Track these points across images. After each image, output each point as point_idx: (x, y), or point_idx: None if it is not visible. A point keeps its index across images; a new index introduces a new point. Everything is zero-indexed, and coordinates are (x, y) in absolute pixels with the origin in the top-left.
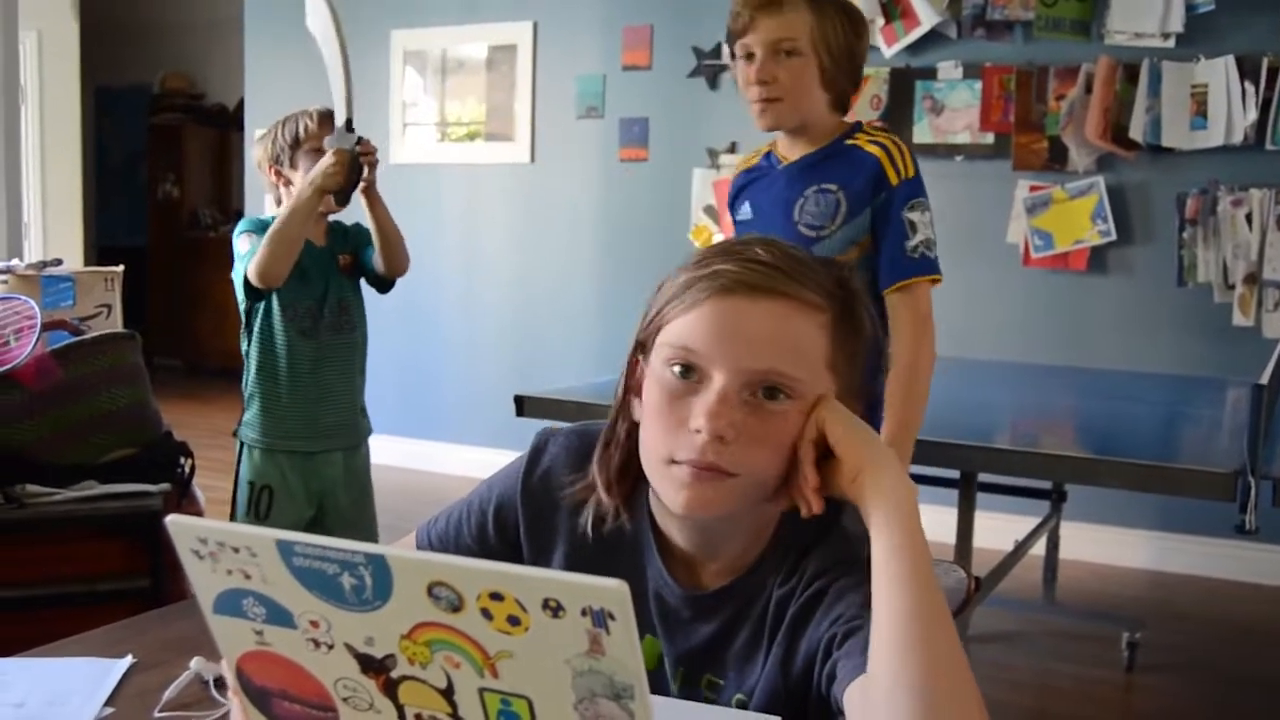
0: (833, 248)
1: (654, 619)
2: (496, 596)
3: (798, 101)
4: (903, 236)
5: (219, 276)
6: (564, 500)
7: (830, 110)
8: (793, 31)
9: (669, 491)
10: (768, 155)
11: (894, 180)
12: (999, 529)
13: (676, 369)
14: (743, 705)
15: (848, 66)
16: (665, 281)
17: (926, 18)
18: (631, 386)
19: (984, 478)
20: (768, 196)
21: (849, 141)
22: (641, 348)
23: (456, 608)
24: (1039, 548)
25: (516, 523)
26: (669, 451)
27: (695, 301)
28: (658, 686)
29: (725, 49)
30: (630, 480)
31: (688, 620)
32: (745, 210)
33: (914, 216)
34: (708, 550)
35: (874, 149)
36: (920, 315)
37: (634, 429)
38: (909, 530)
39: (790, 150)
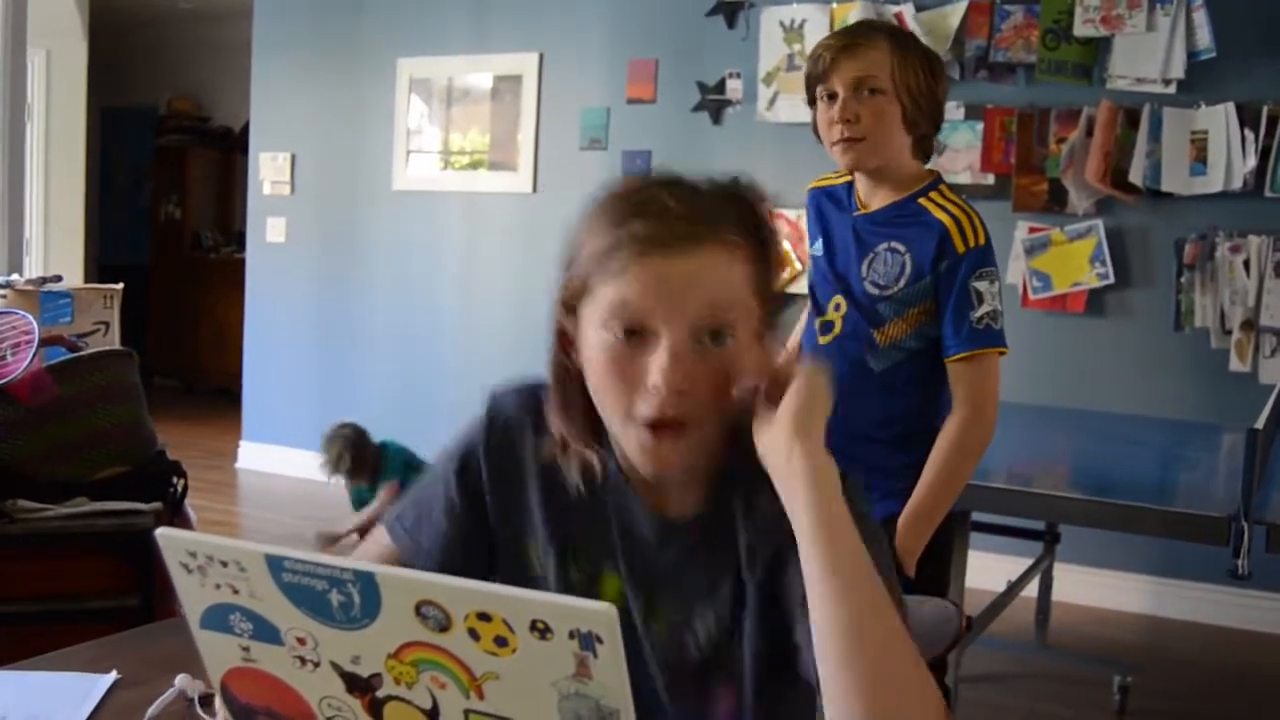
0: (895, 309)
1: (618, 553)
2: (484, 617)
3: (879, 141)
4: (968, 306)
5: (219, 297)
6: (529, 455)
7: (912, 155)
8: (875, 70)
9: (634, 453)
10: (848, 187)
11: (960, 248)
12: (992, 569)
13: (620, 333)
14: (711, 635)
15: (929, 109)
16: (580, 237)
17: None
18: (565, 346)
19: (978, 516)
20: (842, 239)
21: (921, 200)
22: (567, 309)
23: (444, 627)
24: (1031, 589)
25: (479, 480)
26: (625, 409)
27: (622, 266)
28: (624, 630)
29: (729, 84)
30: (599, 427)
31: (655, 546)
32: (819, 246)
33: (981, 286)
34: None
35: (942, 215)
36: (982, 393)
37: (584, 383)
38: (826, 520)
39: (870, 195)
